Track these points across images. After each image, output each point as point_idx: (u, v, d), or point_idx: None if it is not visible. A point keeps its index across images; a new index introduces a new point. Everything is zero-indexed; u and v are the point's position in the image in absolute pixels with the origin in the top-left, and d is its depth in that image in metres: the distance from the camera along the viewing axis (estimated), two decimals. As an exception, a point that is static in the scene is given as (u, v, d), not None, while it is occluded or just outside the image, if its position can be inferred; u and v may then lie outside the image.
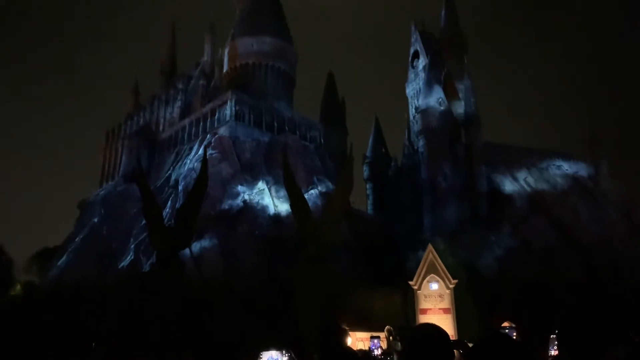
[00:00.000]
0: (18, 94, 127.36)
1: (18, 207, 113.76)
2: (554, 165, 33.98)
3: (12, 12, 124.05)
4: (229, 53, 44.34)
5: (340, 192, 25.90)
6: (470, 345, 2.33)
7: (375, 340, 14.63)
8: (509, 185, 31.72)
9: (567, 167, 33.84)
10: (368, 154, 45.98)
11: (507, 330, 23.44)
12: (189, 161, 34.34)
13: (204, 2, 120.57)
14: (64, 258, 35.15)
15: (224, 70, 44.46)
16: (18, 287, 32.77)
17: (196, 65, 47.35)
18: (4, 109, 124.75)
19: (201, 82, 41.83)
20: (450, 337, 2.46)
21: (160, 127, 42.95)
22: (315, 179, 33.60)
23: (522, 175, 32.50)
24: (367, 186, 45.02)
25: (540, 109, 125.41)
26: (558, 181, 32.46)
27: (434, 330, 2.42)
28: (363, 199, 45.10)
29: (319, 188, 33.01)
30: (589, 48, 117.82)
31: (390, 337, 16.18)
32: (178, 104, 42.25)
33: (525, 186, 31.74)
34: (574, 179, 32.99)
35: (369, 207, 43.55)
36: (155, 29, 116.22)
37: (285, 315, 20.29)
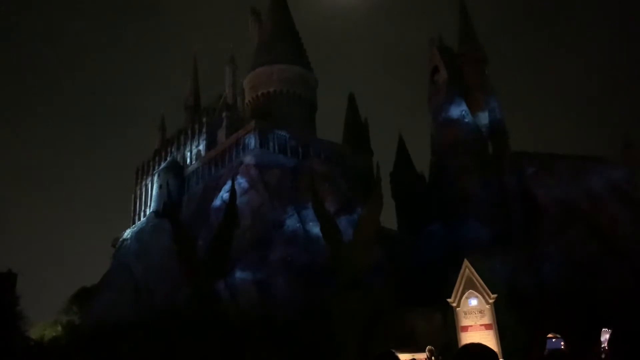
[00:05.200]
0: (48, 137, 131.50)
1: (54, 248, 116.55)
2: (587, 170, 32.98)
3: (41, 54, 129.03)
4: (249, 83, 45.15)
5: (370, 213, 25.75)
6: None
7: None
8: (542, 195, 30.87)
9: (601, 172, 32.81)
10: (393, 172, 45.62)
11: (553, 340, 22.62)
12: (218, 193, 34.69)
13: (224, 35, 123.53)
14: (101, 297, 35.68)
15: (246, 100, 45.25)
16: (59, 327, 33.36)
17: (219, 97, 48.26)
18: (32, 152, 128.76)
19: (224, 114, 42.60)
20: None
21: (188, 161, 43.78)
22: (344, 202, 33.45)
23: (555, 183, 31.62)
24: (395, 204, 44.55)
25: (569, 114, 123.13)
26: (593, 187, 31.46)
27: (482, 350, 2.33)
28: (392, 217, 44.63)
29: (349, 211, 32.82)
30: (614, 51, 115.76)
31: (432, 358, 15.77)
32: (203, 137, 43.11)
33: (560, 194, 30.86)
34: (610, 183, 31.94)
35: (397, 226, 43.04)
36: (178, 64, 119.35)
37: (324, 343, 20.08)
